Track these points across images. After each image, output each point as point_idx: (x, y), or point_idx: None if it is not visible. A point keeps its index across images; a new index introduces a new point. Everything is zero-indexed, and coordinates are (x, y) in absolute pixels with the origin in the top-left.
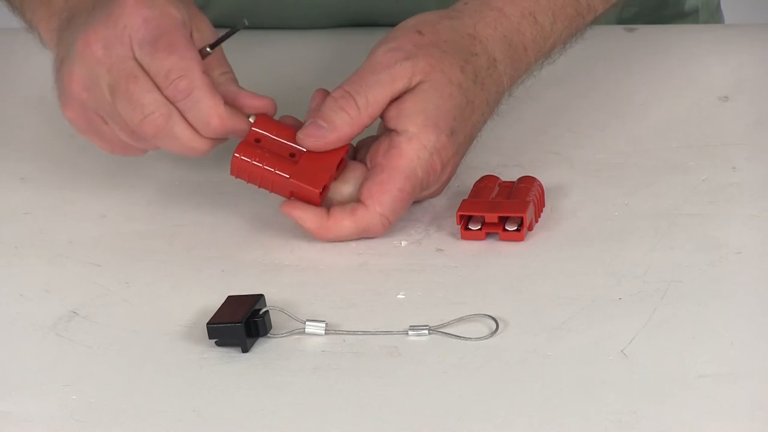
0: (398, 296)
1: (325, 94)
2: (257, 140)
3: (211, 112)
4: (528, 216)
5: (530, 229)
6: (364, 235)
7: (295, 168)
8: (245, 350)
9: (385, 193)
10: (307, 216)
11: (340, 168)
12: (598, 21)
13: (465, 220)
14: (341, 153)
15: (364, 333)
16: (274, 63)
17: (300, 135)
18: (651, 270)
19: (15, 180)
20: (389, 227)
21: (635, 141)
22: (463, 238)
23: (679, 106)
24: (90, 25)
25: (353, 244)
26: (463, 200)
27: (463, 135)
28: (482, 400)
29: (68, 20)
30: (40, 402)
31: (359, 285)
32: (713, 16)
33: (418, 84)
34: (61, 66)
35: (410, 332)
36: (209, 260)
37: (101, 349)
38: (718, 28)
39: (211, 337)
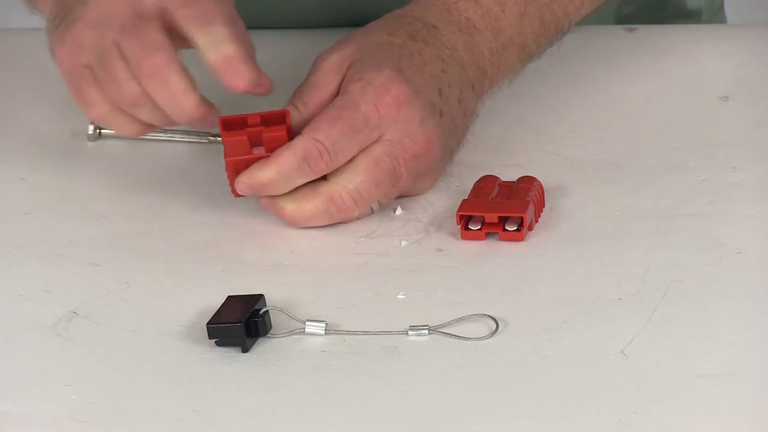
0: (398, 296)
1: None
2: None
3: (227, 47)
4: (528, 216)
5: (530, 229)
6: (306, 163)
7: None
8: (245, 350)
9: (320, 120)
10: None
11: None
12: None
13: (465, 220)
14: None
15: (364, 333)
16: (274, 63)
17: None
18: (651, 270)
19: (15, 180)
20: (327, 154)
21: (635, 141)
22: (463, 238)
23: (679, 106)
24: None
25: (353, 243)
26: (463, 200)
27: (421, 80)
28: (482, 400)
29: None
30: (40, 402)
31: (359, 285)
32: (716, 16)
33: (351, 63)
34: (69, 13)
35: (410, 332)
36: (209, 260)
37: (101, 349)
38: (719, 28)
39: (211, 337)
